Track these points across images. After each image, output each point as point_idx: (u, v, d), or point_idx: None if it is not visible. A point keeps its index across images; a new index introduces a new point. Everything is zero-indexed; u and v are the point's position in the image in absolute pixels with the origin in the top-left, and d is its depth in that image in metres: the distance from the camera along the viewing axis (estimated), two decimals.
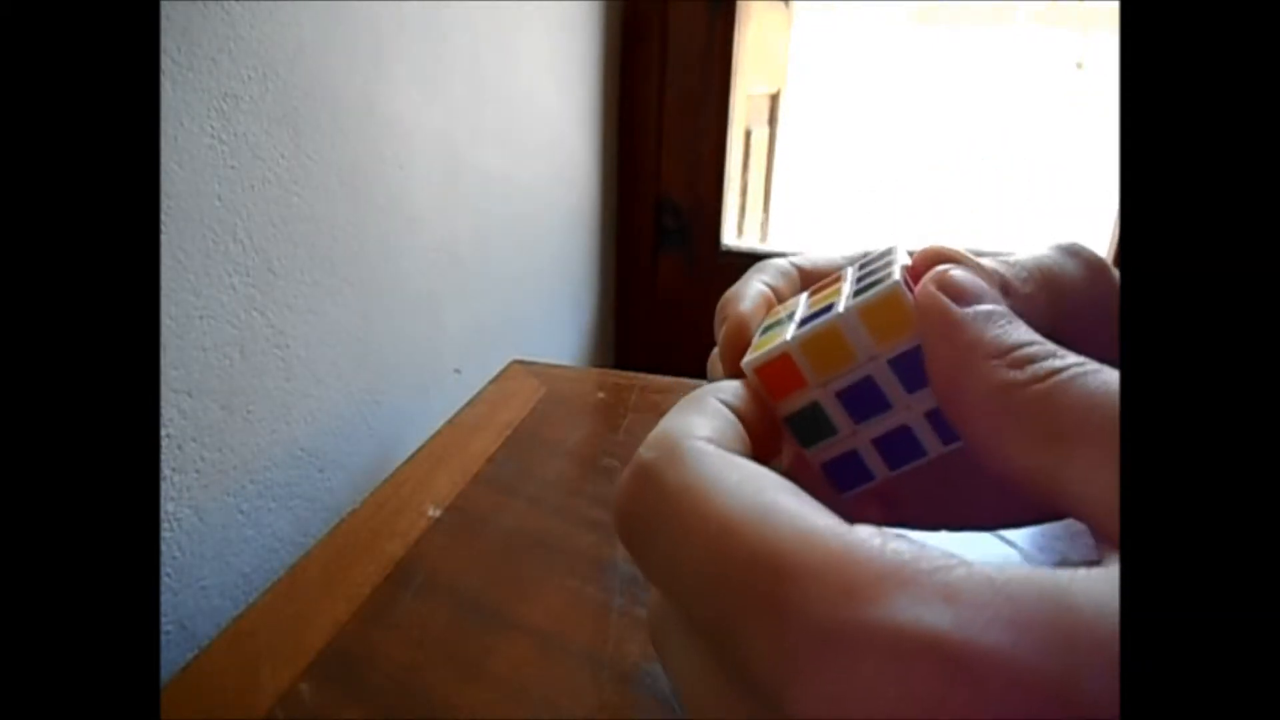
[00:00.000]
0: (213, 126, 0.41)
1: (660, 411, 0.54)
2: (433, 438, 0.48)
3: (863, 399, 0.18)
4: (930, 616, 0.11)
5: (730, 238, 1.11)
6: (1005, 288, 0.20)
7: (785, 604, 0.12)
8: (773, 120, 1.28)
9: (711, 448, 0.15)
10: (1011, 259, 0.22)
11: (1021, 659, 0.10)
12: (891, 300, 0.17)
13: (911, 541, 0.13)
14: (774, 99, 1.27)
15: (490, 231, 0.74)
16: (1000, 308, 0.17)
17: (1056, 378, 0.14)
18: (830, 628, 0.12)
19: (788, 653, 0.12)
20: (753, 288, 0.22)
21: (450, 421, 0.50)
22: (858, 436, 0.19)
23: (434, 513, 0.40)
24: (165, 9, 0.37)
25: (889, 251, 0.19)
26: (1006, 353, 0.16)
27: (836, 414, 0.18)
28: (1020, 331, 0.16)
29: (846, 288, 0.19)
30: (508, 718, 0.28)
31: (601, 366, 1.10)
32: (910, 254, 0.21)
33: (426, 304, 0.64)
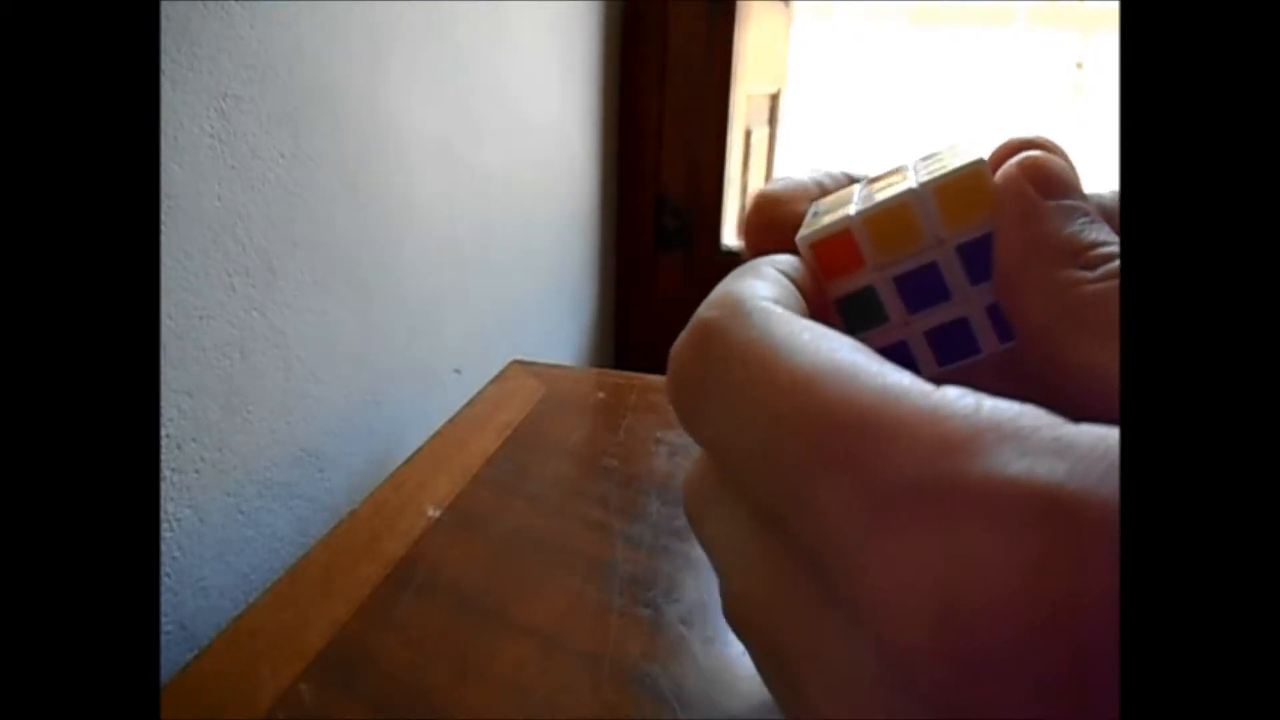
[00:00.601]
0: (213, 126, 0.41)
1: (660, 411, 0.54)
2: (433, 438, 0.48)
3: (923, 286, 0.17)
4: (1042, 469, 0.10)
5: (730, 238, 1.11)
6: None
7: (871, 459, 0.11)
8: (773, 120, 1.28)
9: (779, 308, 0.14)
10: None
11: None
12: (974, 179, 0.16)
13: (1010, 403, 0.11)
14: (774, 99, 1.27)
15: (490, 232, 0.74)
16: (1084, 204, 0.16)
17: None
18: (924, 481, 0.10)
19: (871, 508, 0.11)
20: (793, 177, 0.20)
21: (450, 421, 0.50)
22: (910, 327, 0.17)
23: (434, 513, 0.40)
24: (165, 9, 0.37)
25: (956, 145, 0.18)
26: (1081, 251, 0.15)
27: (891, 301, 0.17)
28: (1100, 232, 0.15)
29: (913, 176, 0.17)
30: (508, 718, 0.28)
31: (601, 366, 1.10)
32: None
33: (426, 304, 0.64)
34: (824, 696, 0.12)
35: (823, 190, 0.20)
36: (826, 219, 0.17)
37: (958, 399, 0.11)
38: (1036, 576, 0.10)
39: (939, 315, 0.17)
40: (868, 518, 0.11)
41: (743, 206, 1.19)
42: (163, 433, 0.40)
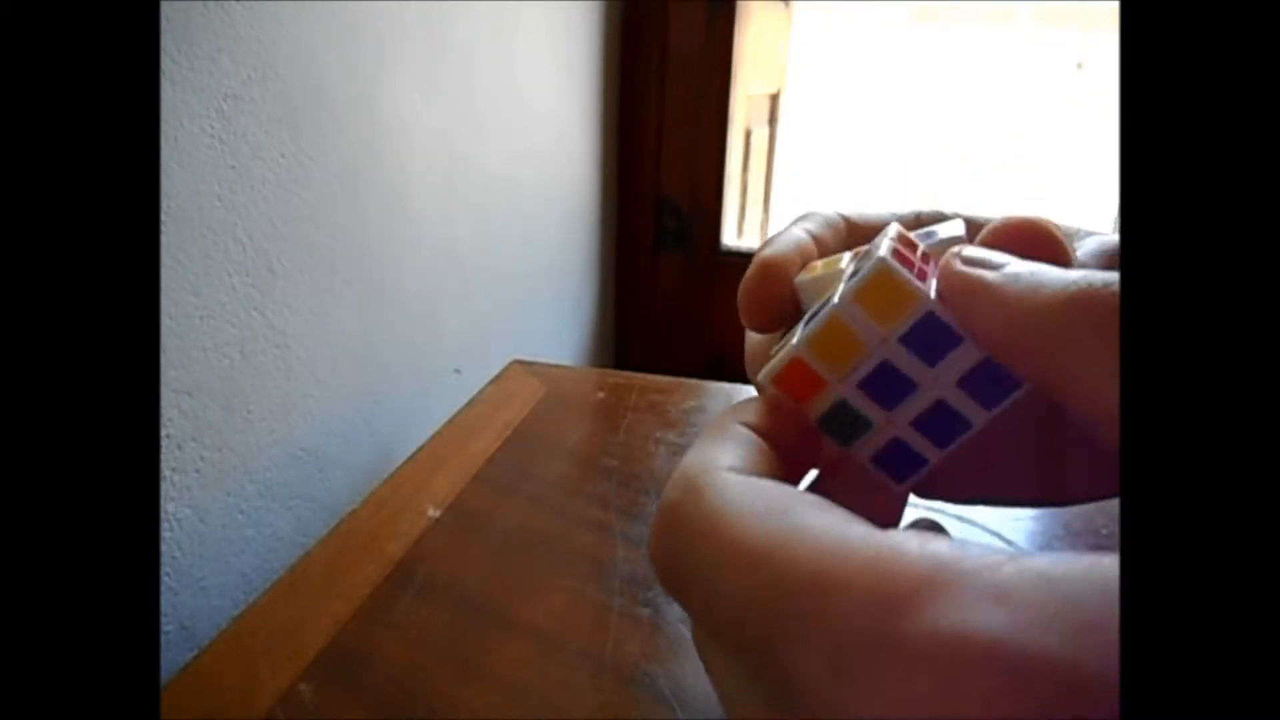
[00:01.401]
0: (213, 126, 0.41)
1: (660, 411, 0.54)
2: (433, 438, 0.48)
3: (886, 384, 0.17)
4: (981, 621, 0.10)
5: (730, 238, 1.11)
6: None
7: (826, 621, 0.12)
8: (773, 120, 1.28)
9: (734, 476, 0.15)
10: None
11: (1085, 664, 0.10)
12: (882, 278, 0.17)
13: (951, 540, 0.12)
14: (774, 99, 1.27)
15: (490, 232, 0.74)
16: (1031, 263, 0.16)
17: None
18: (875, 641, 0.11)
19: (836, 671, 0.12)
20: (792, 234, 0.21)
21: (450, 421, 0.50)
22: (894, 424, 0.18)
23: (434, 513, 0.40)
24: (165, 9, 0.37)
25: (886, 231, 0.19)
26: (1070, 286, 0.15)
27: (865, 406, 0.18)
28: (1065, 272, 0.15)
29: (846, 273, 0.18)
30: (508, 718, 0.28)
31: (601, 366, 1.10)
32: (970, 224, 0.20)
33: (426, 304, 0.64)
34: None
35: (820, 245, 0.21)
36: (776, 355, 0.18)
37: (900, 544, 0.12)
38: None
39: (916, 405, 0.18)
40: (827, 675, 0.12)
41: (743, 206, 1.19)
42: (163, 433, 0.40)
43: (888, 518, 0.19)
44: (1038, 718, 0.10)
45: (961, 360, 0.17)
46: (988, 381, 0.17)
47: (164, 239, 0.39)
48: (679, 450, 0.46)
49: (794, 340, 0.18)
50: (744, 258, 1.14)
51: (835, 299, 0.17)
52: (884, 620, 0.11)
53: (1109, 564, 0.11)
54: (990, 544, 0.12)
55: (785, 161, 1.34)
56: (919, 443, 0.18)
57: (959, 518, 0.41)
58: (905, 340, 0.17)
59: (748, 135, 1.16)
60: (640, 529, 0.39)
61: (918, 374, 0.17)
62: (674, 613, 0.33)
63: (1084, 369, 0.14)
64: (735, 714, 0.15)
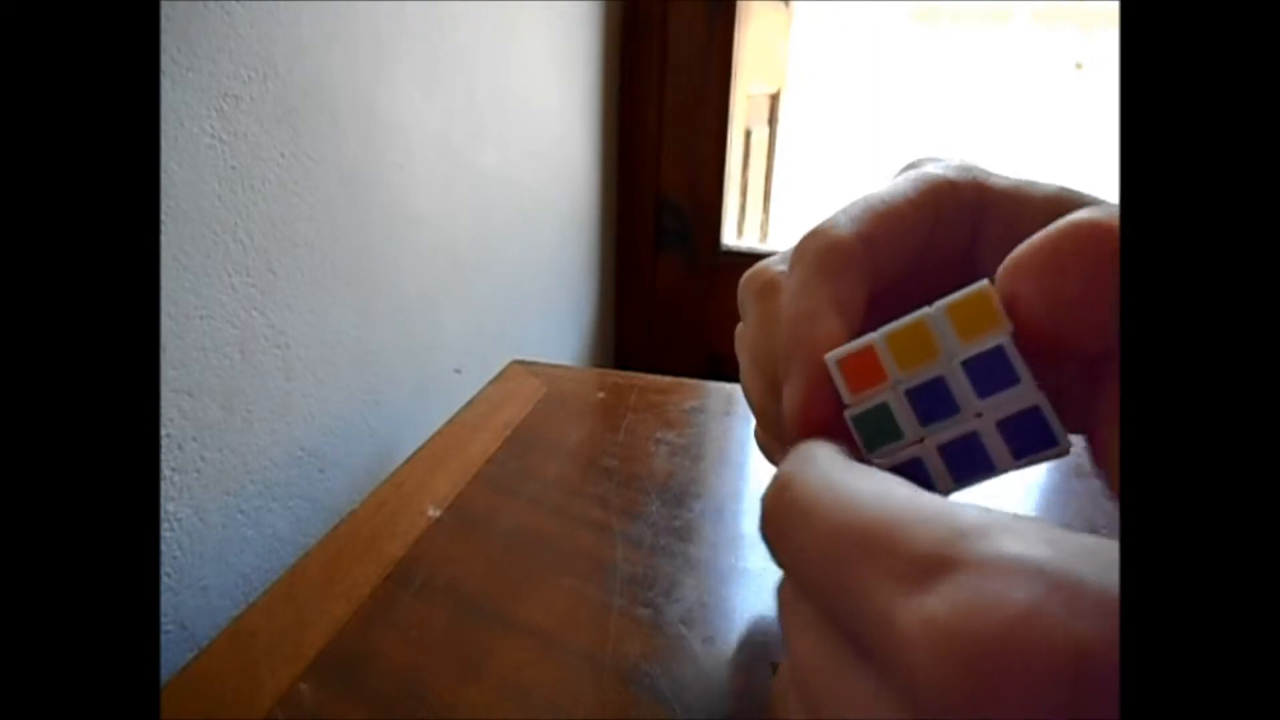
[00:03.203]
0: (213, 126, 0.41)
1: (660, 411, 0.54)
2: (433, 438, 0.48)
3: (933, 400, 0.18)
4: (1035, 551, 0.13)
5: (730, 238, 1.11)
6: None
7: (896, 547, 0.14)
8: (773, 120, 1.28)
9: (838, 454, 0.18)
10: None
11: (1109, 589, 0.12)
12: (980, 298, 0.17)
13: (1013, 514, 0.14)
14: (774, 99, 1.27)
15: (490, 232, 0.74)
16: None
17: None
18: (938, 556, 0.13)
19: (897, 580, 0.14)
20: (822, 312, 0.21)
21: (450, 421, 0.50)
22: (924, 443, 0.18)
23: (434, 513, 0.40)
24: (165, 9, 0.37)
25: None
26: None
27: (905, 416, 0.18)
28: None
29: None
30: (508, 718, 0.28)
31: (601, 366, 1.10)
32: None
33: (426, 304, 0.64)
34: None
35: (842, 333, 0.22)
36: (852, 343, 0.19)
37: (969, 506, 0.14)
38: (1032, 617, 0.12)
39: (950, 431, 0.18)
40: (895, 586, 0.14)
41: (743, 206, 1.19)
42: (163, 433, 0.40)
43: None
44: (1071, 619, 0.12)
45: (1011, 402, 0.17)
46: (1028, 430, 0.17)
47: (164, 239, 0.39)
48: (679, 450, 0.46)
49: (874, 332, 0.19)
50: (744, 258, 1.14)
51: (930, 306, 0.18)
52: (951, 544, 0.13)
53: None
54: None
55: (785, 161, 1.34)
56: (937, 468, 0.18)
57: None
58: (967, 365, 0.17)
59: (748, 135, 1.16)
60: (640, 529, 0.39)
61: (964, 400, 0.18)
62: (674, 613, 0.33)
63: None
64: (797, 658, 0.17)
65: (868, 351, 0.18)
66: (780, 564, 0.18)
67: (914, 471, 0.18)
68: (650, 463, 0.45)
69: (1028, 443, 0.17)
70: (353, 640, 0.32)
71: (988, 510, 0.14)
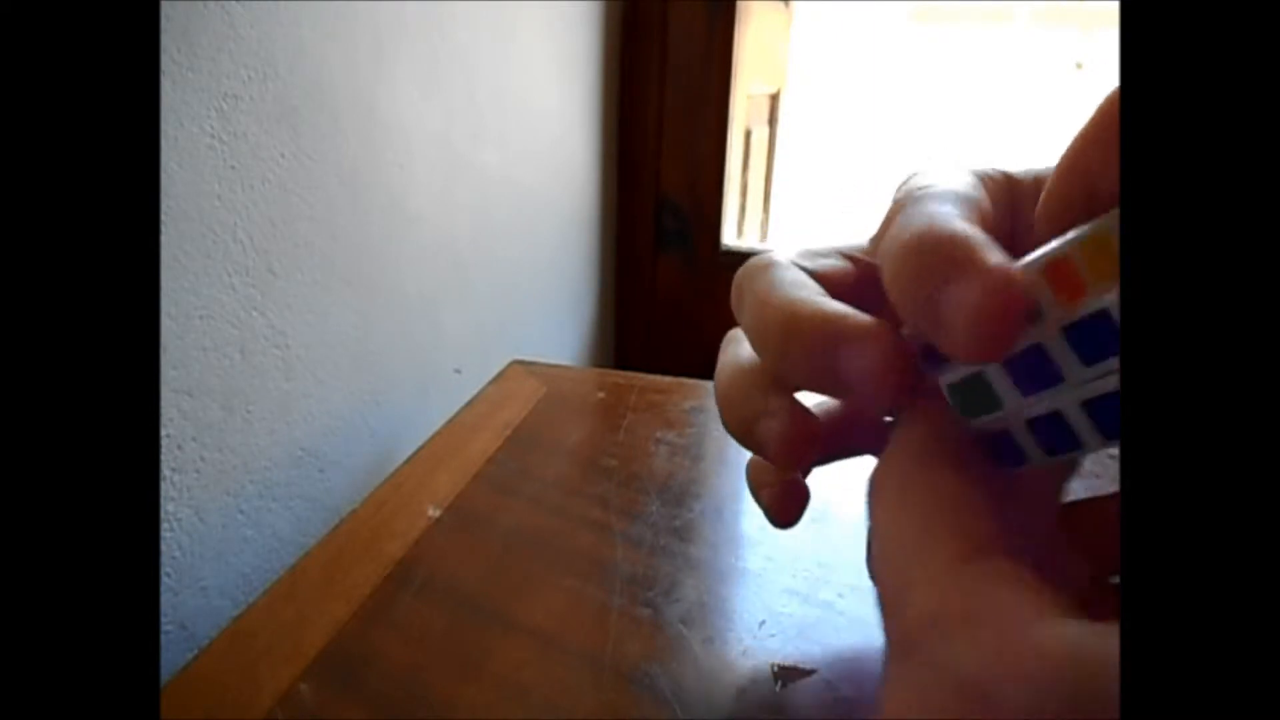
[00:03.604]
0: (213, 126, 0.41)
1: (660, 411, 0.54)
2: (433, 438, 0.48)
3: (1031, 368, 0.16)
4: None
5: (730, 238, 1.11)
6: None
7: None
8: (773, 120, 1.28)
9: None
10: None
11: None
12: (1108, 241, 0.15)
13: None
14: (774, 99, 1.27)
15: (490, 232, 0.74)
16: None
17: None
18: None
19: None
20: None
21: (450, 421, 0.50)
22: (1017, 414, 0.16)
23: (434, 513, 0.40)
24: (165, 9, 0.37)
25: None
26: None
27: (1002, 385, 0.16)
28: None
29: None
30: (508, 718, 0.28)
31: (601, 366, 1.10)
32: None
33: (426, 304, 0.64)
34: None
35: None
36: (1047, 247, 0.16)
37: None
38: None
39: (1042, 403, 0.16)
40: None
41: (743, 206, 1.19)
42: (163, 433, 0.40)
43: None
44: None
45: (1109, 379, 0.15)
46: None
47: (164, 239, 0.39)
48: (679, 450, 0.46)
49: (1067, 237, 0.16)
50: (744, 258, 1.13)
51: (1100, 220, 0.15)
52: None
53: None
54: None
55: (785, 161, 1.34)
56: (1028, 443, 0.17)
57: None
58: (1069, 329, 0.15)
59: (748, 135, 1.16)
60: (640, 529, 0.39)
61: (1068, 369, 0.15)
62: (674, 613, 0.33)
63: None
64: (892, 552, 0.16)
65: (1065, 261, 0.15)
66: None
67: (1003, 443, 0.17)
68: (650, 463, 0.45)
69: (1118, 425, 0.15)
70: (353, 640, 0.32)
71: None
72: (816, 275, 0.22)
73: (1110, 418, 0.15)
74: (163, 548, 0.41)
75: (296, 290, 0.49)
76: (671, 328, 1.12)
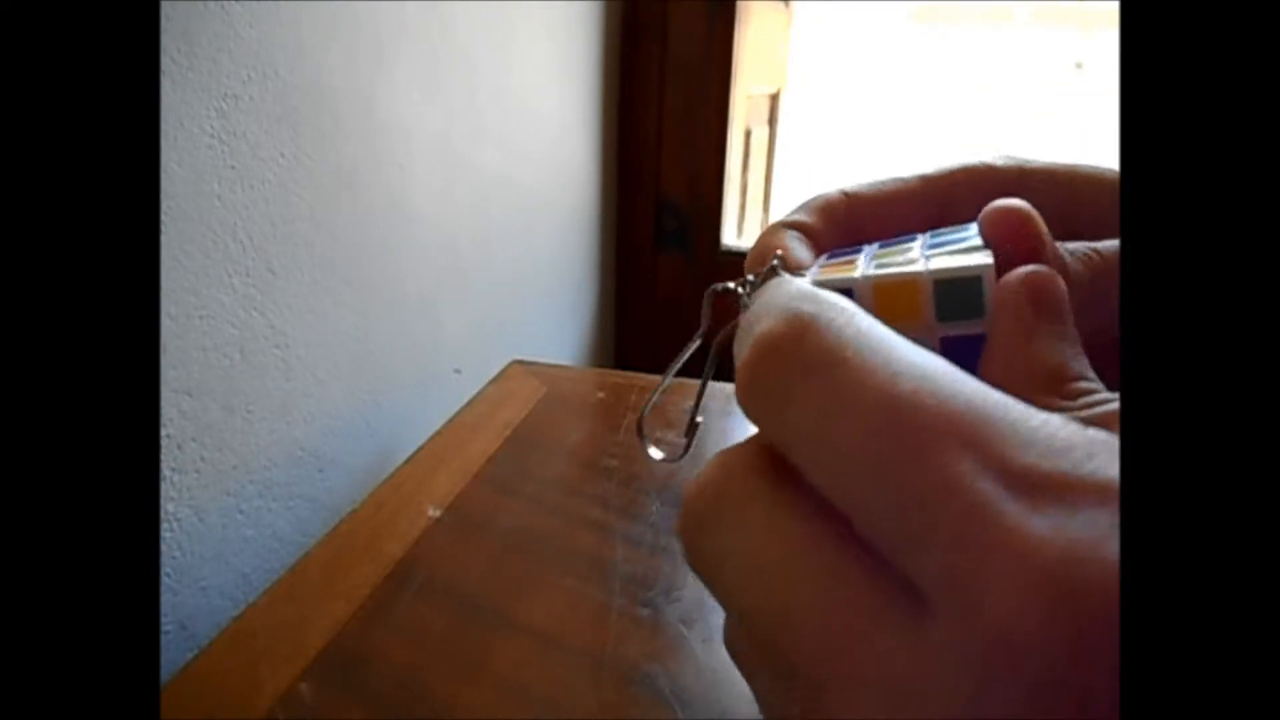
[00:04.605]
0: (213, 126, 0.41)
1: (660, 411, 0.54)
2: (433, 438, 0.48)
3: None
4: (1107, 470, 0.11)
5: (730, 238, 1.11)
6: (1064, 274, 0.18)
7: (997, 444, 0.11)
8: (773, 120, 1.28)
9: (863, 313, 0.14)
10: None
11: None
12: (974, 282, 0.16)
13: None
14: (774, 99, 1.27)
15: (490, 232, 0.74)
16: (1072, 330, 0.16)
17: (1103, 410, 0.14)
18: (1054, 473, 0.11)
19: (998, 482, 0.11)
20: (780, 239, 0.20)
21: (450, 421, 0.50)
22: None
23: (434, 513, 0.40)
24: (165, 9, 0.37)
25: (966, 227, 0.18)
26: (1066, 380, 0.15)
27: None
28: (1083, 365, 0.15)
29: (921, 256, 0.17)
30: (508, 718, 0.28)
31: (601, 366, 1.10)
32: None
33: (426, 304, 0.64)
34: (873, 712, 0.12)
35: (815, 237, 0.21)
36: (834, 274, 0.17)
37: (1055, 418, 0.12)
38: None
39: None
40: (994, 490, 0.11)
41: (743, 206, 1.19)
42: (163, 433, 0.40)
43: None
44: None
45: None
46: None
47: (164, 239, 0.39)
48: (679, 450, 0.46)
49: (855, 274, 0.17)
50: (744, 258, 1.13)
51: (922, 266, 0.17)
52: (1060, 459, 0.11)
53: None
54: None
55: (785, 161, 1.34)
56: None
57: None
58: (947, 341, 0.17)
59: (748, 135, 1.16)
60: (640, 529, 0.39)
61: None
62: (674, 613, 0.33)
63: None
64: (752, 592, 0.14)
65: (848, 295, 0.16)
66: (772, 429, 0.14)
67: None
68: (650, 463, 0.45)
69: None
70: (353, 640, 0.32)
71: (1084, 427, 0.12)
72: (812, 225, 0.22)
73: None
74: (163, 548, 0.41)
75: (296, 290, 0.49)
76: (671, 328, 1.12)
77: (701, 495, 0.15)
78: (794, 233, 0.21)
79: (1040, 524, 0.10)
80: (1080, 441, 0.11)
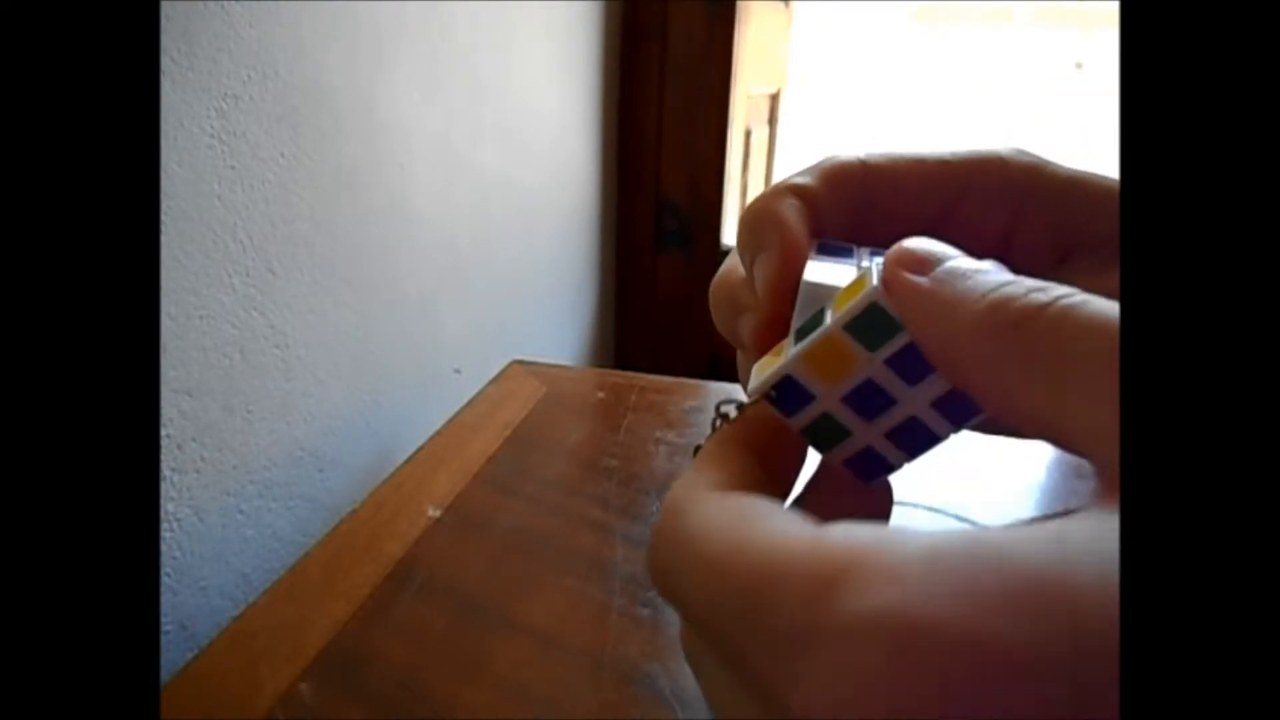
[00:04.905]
0: (213, 126, 0.41)
1: (660, 411, 0.54)
2: (433, 438, 0.48)
3: (868, 399, 0.19)
4: (877, 600, 0.11)
5: (730, 238, 1.11)
6: (812, 207, 0.21)
7: (764, 615, 0.13)
8: (773, 120, 1.28)
9: (712, 495, 0.16)
10: None
11: (966, 622, 0.11)
12: (872, 308, 0.18)
13: (876, 528, 0.13)
14: (774, 99, 1.27)
15: (490, 231, 0.74)
16: (964, 259, 0.16)
17: (1045, 312, 0.14)
18: (804, 631, 0.12)
19: (776, 660, 0.13)
20: (782, 211, 0.21)
21: (450, 421, 0.50)
22: (870, 434, 0.19)
23: (434, 513, 0.40)
24: (165, 9, 0.37)
25: (845, 260, 0.20)
26: (985, 299, 0.15)
27: (847, 418, 0.19)
28: (993, 275, 0.15)
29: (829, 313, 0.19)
30: (508, 718, 0.28)
31: (601, 366, 1.10)
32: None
33: (426, 304, 0.64)
34: None
35: (801, 226, 0.22)
36: (770, 368, 0.19)
37: (828, 536, 0.13)
38: (897, 691, 0.11)
39: (892, 419, 0.19)
40: (771, 667, 0.13)
41: (743, 206, 1.19)
42: (163, 433, 0.40)
43: (879, 514, 0.20)
44: (930, 681, 0.11)
45: (938, 383, 0.18)
46: (960, 402, 0.18)
47: (164, 239, 0.39)
48: (679, 450, 0.46)
49: (787, 356, 0.19)
50: None
51: (828, 318, 0.18)
52: (807, 610, 0.12)
53: (981, 534, 0.12)
54: (924, 527, 0.13)
55: (785, 161, 1.34)
56: (890, 451, 0.19)
57: (931, 508, 0.41)
58: (890, 361, 0.18)
59: (748, 135, 1.16)
60: (640, 529, 0.39)
61: (897, 392, 0.18)
62: (674, 613, 0.33)
63: (1000, 386, 0.15)
64: (724, 715, 0.16)
65: (788, 380, 0.19)
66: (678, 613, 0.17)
67: (868, 457, 0.20)
68: (650, 463, 0.45)
69: (964, 412, 0.18)
70: (353, 640, 0.32)
71: (849, 531, 0.13)
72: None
73: (956, 409, 0.18)
74: (163, 548, 0.41)
75: (296, 290, 0.49)
76: (671, 328, 1.12)
77: (685, 648, 0.18)
78: (794, 203, 0.21)
79: (805, 679, 0.12)
80: (831, 569, 0.12)
